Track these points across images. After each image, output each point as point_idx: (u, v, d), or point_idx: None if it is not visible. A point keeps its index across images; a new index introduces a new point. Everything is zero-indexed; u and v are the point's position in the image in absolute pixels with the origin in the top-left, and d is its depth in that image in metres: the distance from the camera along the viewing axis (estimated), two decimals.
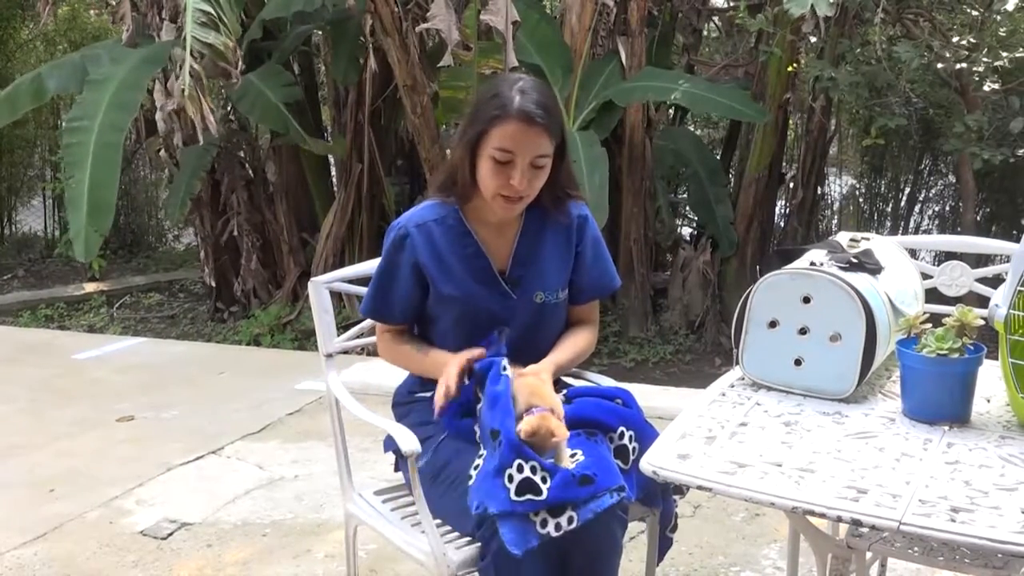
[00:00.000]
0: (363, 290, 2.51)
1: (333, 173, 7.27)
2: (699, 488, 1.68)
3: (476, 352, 2.22)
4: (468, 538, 2.14)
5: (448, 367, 2.21)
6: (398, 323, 2.35)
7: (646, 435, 2.22)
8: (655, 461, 1.73)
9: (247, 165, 6.89)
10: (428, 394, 2.36)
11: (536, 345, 2.31)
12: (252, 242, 6.80)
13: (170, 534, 3.40)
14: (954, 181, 7.18)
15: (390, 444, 2.36)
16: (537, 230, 2.33)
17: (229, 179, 6.73)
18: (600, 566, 2.06)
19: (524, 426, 2.01)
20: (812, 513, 1.59)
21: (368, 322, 2.57)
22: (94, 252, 5.06)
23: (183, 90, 4.78)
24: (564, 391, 2.30)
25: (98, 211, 4.99)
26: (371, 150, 6.37)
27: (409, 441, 2.13)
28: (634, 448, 2.19)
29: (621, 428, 2.20)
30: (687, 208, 7.16)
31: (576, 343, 2.38)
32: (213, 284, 6.93)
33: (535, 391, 2.10)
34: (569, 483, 2.00)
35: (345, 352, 2.55)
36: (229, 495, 3.71)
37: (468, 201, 2.28)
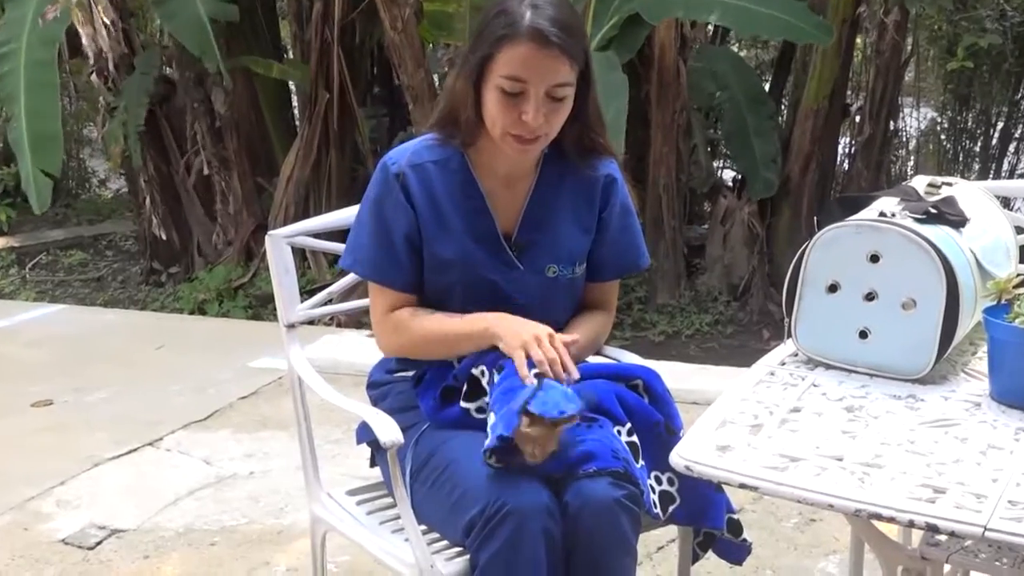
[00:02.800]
0: (331, 246, 2.51)
1: (295, 103, 7.24)
2: (742, 487, 1.69)
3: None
4: (459, 548, 2.16)
5: (538, 330, 2.15)
6: (409, 289, 2.29)
7: (676, 425, 2.24)
8: (688, 454, 1.74)
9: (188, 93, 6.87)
10: (409, 373, 2.37)
11: (542, 322, 2.30)
12: (219, 185, 6.74)
13: (98, 543, 3.43)
14: None
15: (365, 434, 2.37)
16: (554, 186, 2.31)
17: (170, 111, 6.73)
18: (606, 562, 2.07)
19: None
20: (879, 517, 1.60)
21: (339, 285, 2.57)
22: (47, 199, 5.09)
23: None
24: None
25: (43, 146, 5.02)
26: (341, 75, 6.34)
27: (389, 430, 2.14)
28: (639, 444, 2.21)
29: (630, 425, 2.21)
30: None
31: (586, 331, 2.37)
32: (164, 236, 6.92)
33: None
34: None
35: (310, 322, 2.56)
36: (169, 496, 3.74)
37: (473, 143, 2.26)
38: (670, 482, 2.21)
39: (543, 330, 2.16)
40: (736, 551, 2.37)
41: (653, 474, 2.20)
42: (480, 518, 2.03)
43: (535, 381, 2.08)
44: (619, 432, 2.19)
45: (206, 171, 6.74)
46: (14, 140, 5.13)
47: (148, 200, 6.94)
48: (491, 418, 2.09)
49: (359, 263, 2.31)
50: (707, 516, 2.27)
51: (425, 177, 2.25)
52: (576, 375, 2.14)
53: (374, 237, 2.28)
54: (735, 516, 2.33)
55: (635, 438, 2.20)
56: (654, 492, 2.18)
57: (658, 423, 2.23)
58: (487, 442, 2.05)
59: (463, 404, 2.22)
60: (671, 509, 2.20)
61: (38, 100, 5.07)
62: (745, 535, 2.35)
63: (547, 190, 2.31)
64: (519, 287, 2.29)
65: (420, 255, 2.27)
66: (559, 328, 2.33)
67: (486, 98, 2.17)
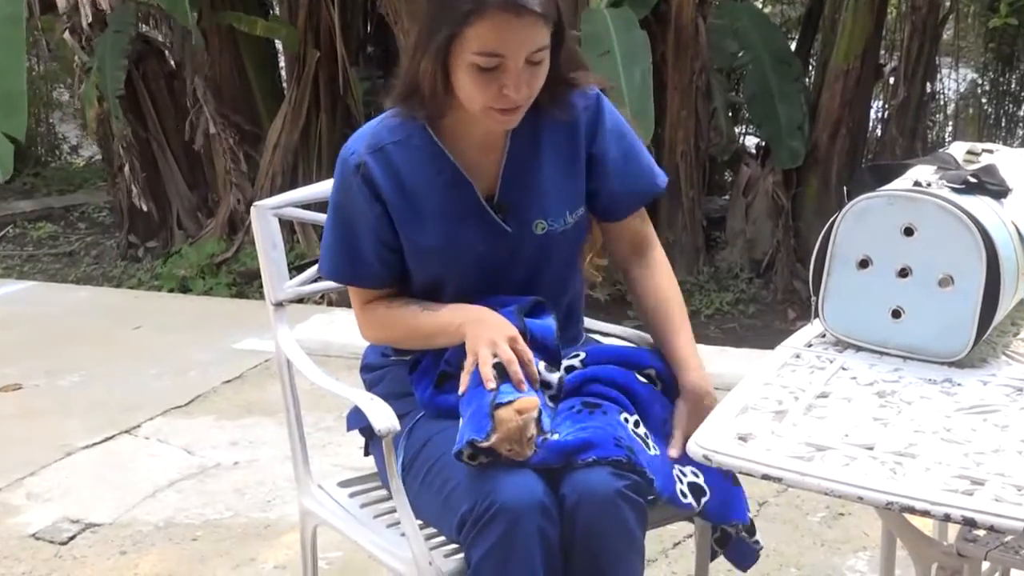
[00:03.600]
0: (322, 217, 2.51)
1: (282, 63, 7.23)
2: (764, 478, 1.70)
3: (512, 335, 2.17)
4: (456, 544, 2.16)
5: (500, 334, 2.15)
6: (381, 286, 2.31)
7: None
8: (707, 443, 1.74)
9: (168, 53, 6.86)
10: (406, 358, 2.37)
11: (542, 288, 2.30)
12: (225, 144, 6.73)
13: (71, 538, 3.44)
14: None
15: (356, 420, 2.37)
16: (531, 137, 2.28)
17: (147, 72, 6.73)
18: (608, 559, 2.06)
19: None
20: (912, 511, 1.60)
21: None
22: (10, 165, 5.09)
23: None
24: (581, 353, 2.30)
25: (6, 106, 5.01)
26: (332, 33, 6.33)
27: (384, 416, 2.14)
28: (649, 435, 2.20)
29: (636, 416, 2.20)
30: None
31: (666, 290, 2.39)
32: (142, 208, 6.91)
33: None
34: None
35: (300, 300, 2.56)
36: (148, 488, 3.75)
37: (441, 116, 2.24)
38: (694, 474, 2.20)
39: (504, 334, 2.14)
40: (748, 555, 2.35)
41: (676, 468, 2.19)
42: (470, 515, 2.02)
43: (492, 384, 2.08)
44: (626, 420, 2.18)
45: (212, 129, 6.70)
46: None
47: (125, 168, 6.94)
48: (461, 422, 2.09)
49: (326, 266, 2.34)
50: (733, 509, 2.27)
51: (388, 162, 2.23)
52: (525, 384, 2.10)
53: (338, 237, 2.29)
54: (750, 514, 2.33)
55: (643, 430, 2.19)
56: (681, 482, 2.16)
57: (666, 421, 2.23)
58: (455, 445, 2.04)
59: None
60: (704, 501, 2.18)
61: (2, 57, 5.06)
62: (758, 537, 2.34)
63: (523, 143, 2.28)
64: (512, 253, 2.27)
65: (394, 249, 2.27)
66: (559, 283, 2.35)
67: (458, 76, 2.13)
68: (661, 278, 2.42)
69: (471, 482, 2.05)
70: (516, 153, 2.29)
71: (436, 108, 2.21)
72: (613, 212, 2.38)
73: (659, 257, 2.44)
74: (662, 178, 2.41)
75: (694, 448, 1.75)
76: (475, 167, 2.27)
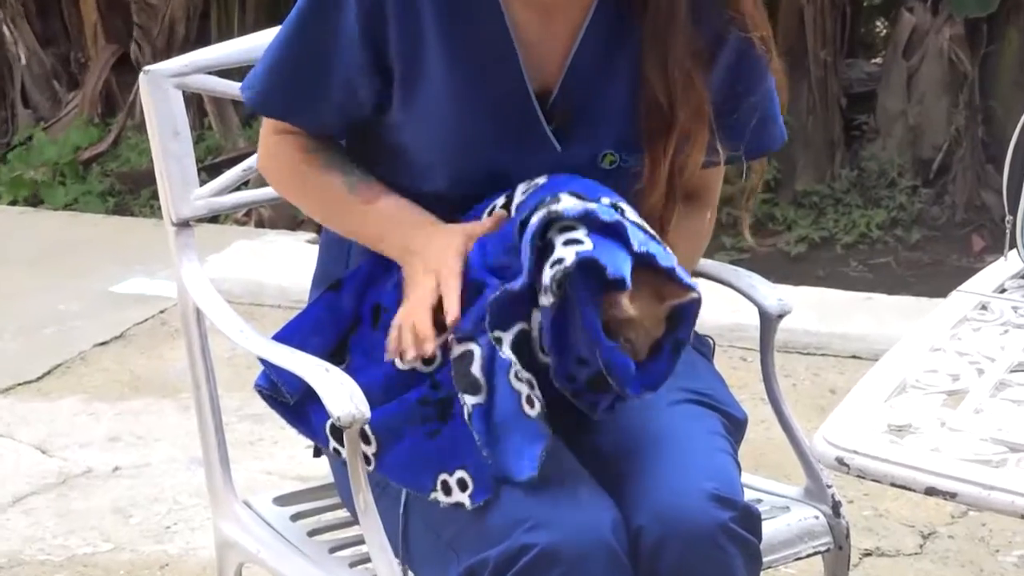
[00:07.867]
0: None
1: None
2: (930, 493, 1.71)
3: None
4: None
5: (441, 269, 2.13)
6: (315, 128, 2.32)
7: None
8: (842, 439, 1.75)
9: None
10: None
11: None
12: None
13: None
14: None
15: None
16: (622, 21, 2.25)
17: None
18: None
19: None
20: None
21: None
22: None
23: None
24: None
25: None
26: None
27: (346, 396, 2.15)
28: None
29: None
30: None
31: (690, 231, 2.36)
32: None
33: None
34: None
35: (214, 219, 2.56)
36: None
37: None
38: None
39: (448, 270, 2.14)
40: None
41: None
42: (493, 561, 2.01)
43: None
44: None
45: None
46: None
47: None
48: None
49: (256, 88, 2.32)
50: None
51: None
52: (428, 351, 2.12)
53: (290, 54, 2.29)
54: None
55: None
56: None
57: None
58: (522, 470, 2.03)
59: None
60: None
61: None
62: None
63: (609, 26, 2.27)
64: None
65: (366, 96, 2.26)
66: None
67: None
68: (694, 214, 2.39)
69: (501, 503, 2.04)
70: (596, 36, 2.26)
71: None
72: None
73: (705, 208, 2.43)
74: (782, 134, 2.40)
75: (824, 447, 1.75)
76: (532, 40, 2.25)
